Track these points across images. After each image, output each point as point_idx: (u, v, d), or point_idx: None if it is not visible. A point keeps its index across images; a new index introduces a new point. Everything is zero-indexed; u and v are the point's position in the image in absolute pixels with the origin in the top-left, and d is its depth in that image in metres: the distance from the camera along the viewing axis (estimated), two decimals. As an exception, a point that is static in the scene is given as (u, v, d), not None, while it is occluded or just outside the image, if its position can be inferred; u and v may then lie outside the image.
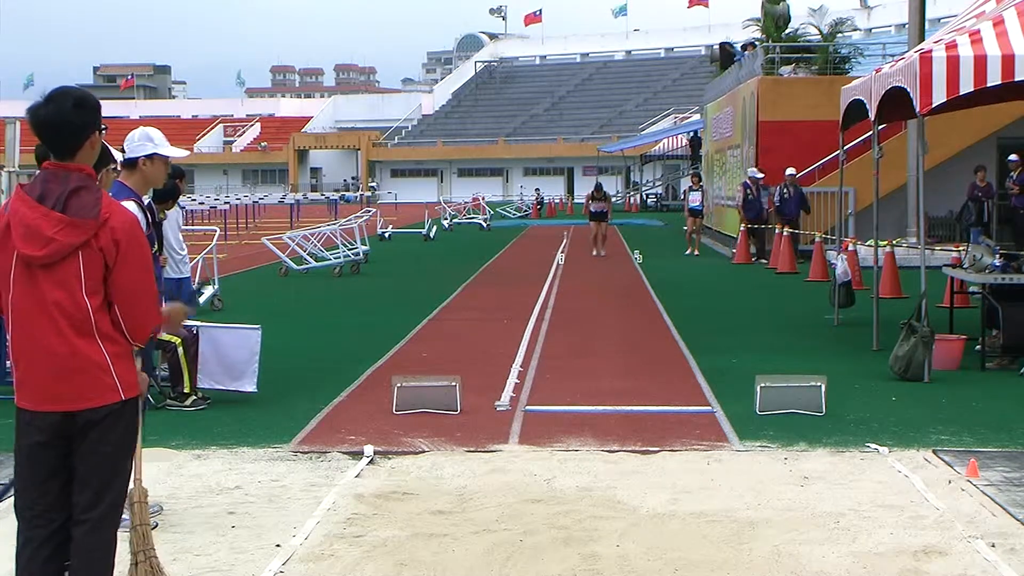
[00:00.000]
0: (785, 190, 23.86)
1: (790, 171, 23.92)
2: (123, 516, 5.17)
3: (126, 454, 4.35)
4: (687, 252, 27.97)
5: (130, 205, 5.42)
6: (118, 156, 6.33)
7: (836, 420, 8.69)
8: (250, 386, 9.44)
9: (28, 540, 4.24)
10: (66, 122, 4.17)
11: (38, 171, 4.27)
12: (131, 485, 4.69)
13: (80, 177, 4.18)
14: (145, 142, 6.15)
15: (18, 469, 4.30)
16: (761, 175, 24.86)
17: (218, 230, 21.40)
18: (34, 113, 4.19)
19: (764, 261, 24.08)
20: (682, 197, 42.89)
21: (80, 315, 4.13)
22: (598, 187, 28.43)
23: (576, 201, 64.94)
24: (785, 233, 22.72)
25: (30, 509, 4.24)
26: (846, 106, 13.40)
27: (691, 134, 55.03)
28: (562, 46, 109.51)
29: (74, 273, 4.12)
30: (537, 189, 66.04)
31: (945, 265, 13.65)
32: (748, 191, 24.84)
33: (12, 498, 4.46)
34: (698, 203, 28.61)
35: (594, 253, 27.06)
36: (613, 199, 32.76)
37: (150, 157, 6.16)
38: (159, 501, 6.40)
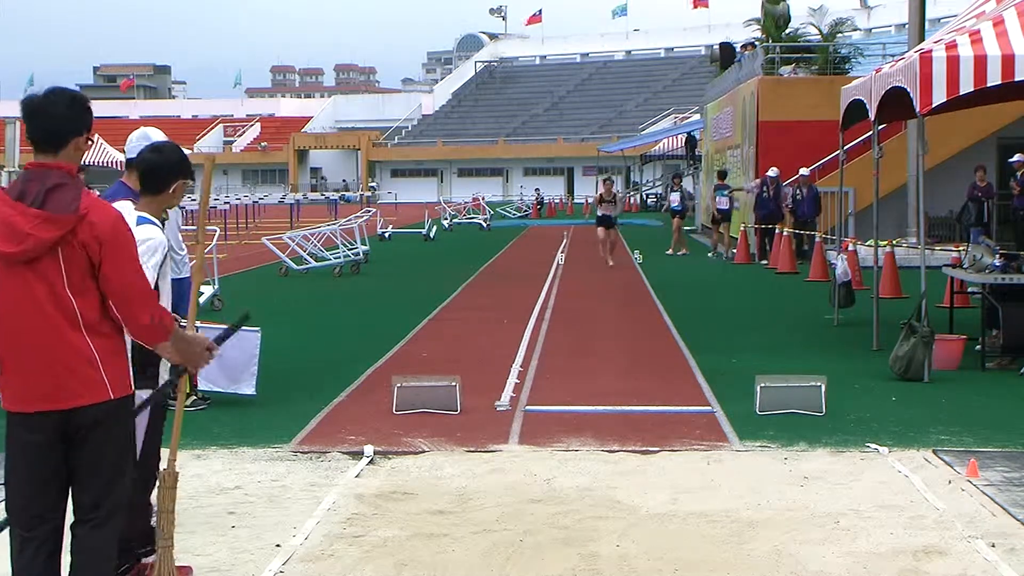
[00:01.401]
0: (798, 191, 23.76)
1: (803, 171, 23.81)
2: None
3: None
4: (667, 252, 27.53)
5: (125, 205, 5.42)
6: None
7: (836, 420, 8.69)
8: (249, 388, 9.41)
9: (26, 542, 4.19)
10: (59, 114, 4.20)
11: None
12: (163, 466, 4.69)
13: (60, 175, 4.16)
14: (143, 142, 6.15)
15: (11, 472, 4.22)
16: (778, 172, 24.63)
17: (218, 230, 21.41)
18: (28, 101, 4.22)
19: (765, 262, 24.04)
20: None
21: (64, 311, 4.11)
22: (609, 188, 24.61)
23: (576, 201, 64.95)
24: (786, 233, 22.71)
25: (26, 511, 4.19)
26: (846, 106, 13.40)
27: (687, 135, 54.95)
28: (562, 46, 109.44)
29: (55, 270, 4.09)
30: (537, 189, 66.01)
31: (945, 265, 13.65)
32: (765, 189, 24.59)
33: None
34: (677, 203, 28.67)
35: (601, 252, 24.17)
36: None
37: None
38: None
